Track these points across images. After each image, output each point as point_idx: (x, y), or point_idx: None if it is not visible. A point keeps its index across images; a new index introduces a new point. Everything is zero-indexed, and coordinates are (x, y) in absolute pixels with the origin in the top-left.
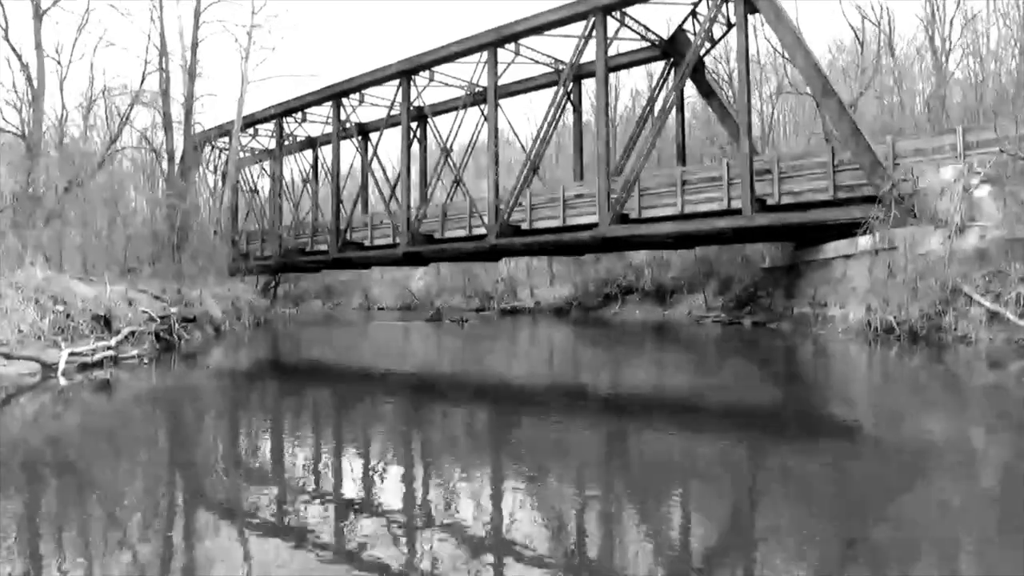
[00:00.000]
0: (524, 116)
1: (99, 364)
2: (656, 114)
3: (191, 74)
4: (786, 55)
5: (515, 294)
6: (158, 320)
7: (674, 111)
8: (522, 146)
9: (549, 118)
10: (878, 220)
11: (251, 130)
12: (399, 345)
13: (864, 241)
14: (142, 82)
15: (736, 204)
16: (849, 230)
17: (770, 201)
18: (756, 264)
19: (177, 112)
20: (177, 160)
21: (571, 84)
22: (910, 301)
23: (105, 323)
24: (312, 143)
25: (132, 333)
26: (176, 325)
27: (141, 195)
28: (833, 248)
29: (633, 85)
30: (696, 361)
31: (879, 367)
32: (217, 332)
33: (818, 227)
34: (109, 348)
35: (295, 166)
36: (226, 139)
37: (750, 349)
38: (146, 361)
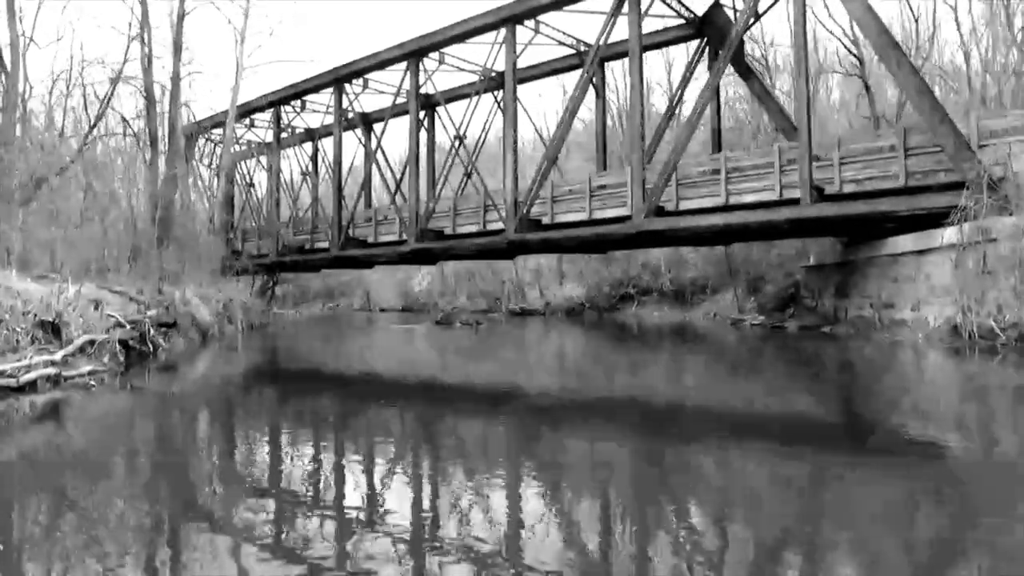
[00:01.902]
0: (535, 110)
1: (32, 386)
2: (696, 97)
3: (176, 48)
4: (835, 30)
5: (523, 295)
6: (127, 326)
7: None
8: (539, 135)
9: (572, 102)
10: (970, 209)
11: (247, 120)
12: (413, 352)
13: (950, 233)
14: (124, 62)
15: (790, 194)
16: (922, 222)
17: (829, 190)
18: (793, 262)
19: (165, 98)
20: (163, 147)
21: (594, 67)
22: (1021, 303)
23: (53, 331)
24: (312, 135)
25: (91, 343)
26: (150, 331)
27: (121, 185)
28: (902, 242)
29: (648, 72)
30: (754, 373)
31: (985, 382)
32: (204, 338)
33: (885, 219)
34: (52, 364)
35: (294, 161)
36: (220, 130)
37: (809, 358)
38: (94, 384)
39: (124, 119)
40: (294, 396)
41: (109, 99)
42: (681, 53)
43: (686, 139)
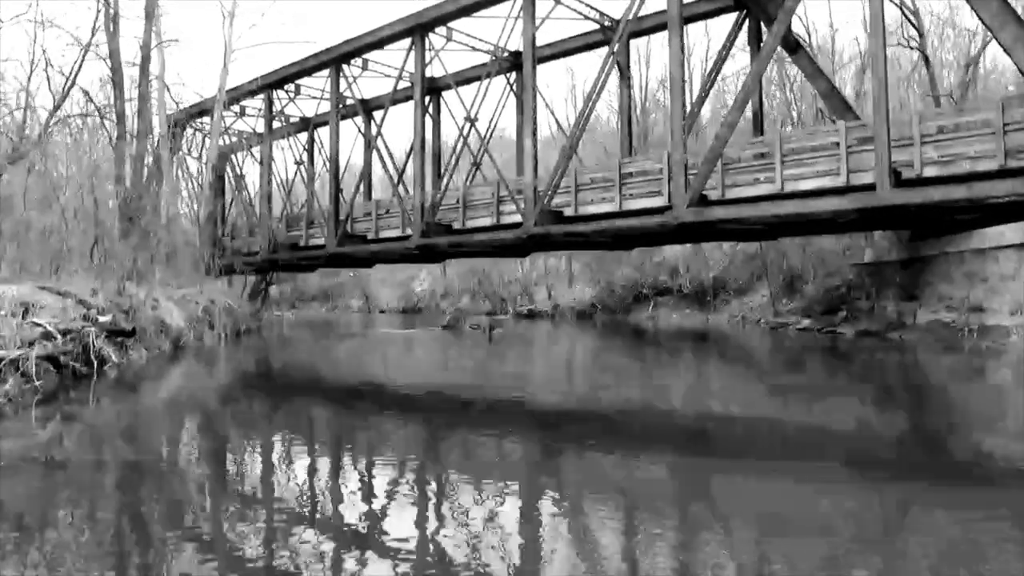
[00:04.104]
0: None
1: None
2: (747, 75)
3: (148, 14)
4: None
5: (530, 296)
6: (59, 337)
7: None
8: (556, 121)
9: (596, 82)
10: None
11: (237, 108)
12: (427, 366)
13: None
14: (93, 35)
15: (858, 179)
16: (1012, 211)
17: (906, 174)
18: (837, 259)
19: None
20: (134, 128)
21: (622, 42)
22: None
23: None
24: (307, 124)
25: None
26: (95, 343)
27: (82, 168)
28: (994, 234)
29: (665, 56)
30: (842, 399)
31: None
32: (176, 347)
33: (972, 207)
34: None
35: (289, 153)
36: (208, 118)
37: (896, 373)
38: None
39: (86, 93)
40: (273, 439)
41: (76, 75)
42: (699, 34)
43: (735, 118)
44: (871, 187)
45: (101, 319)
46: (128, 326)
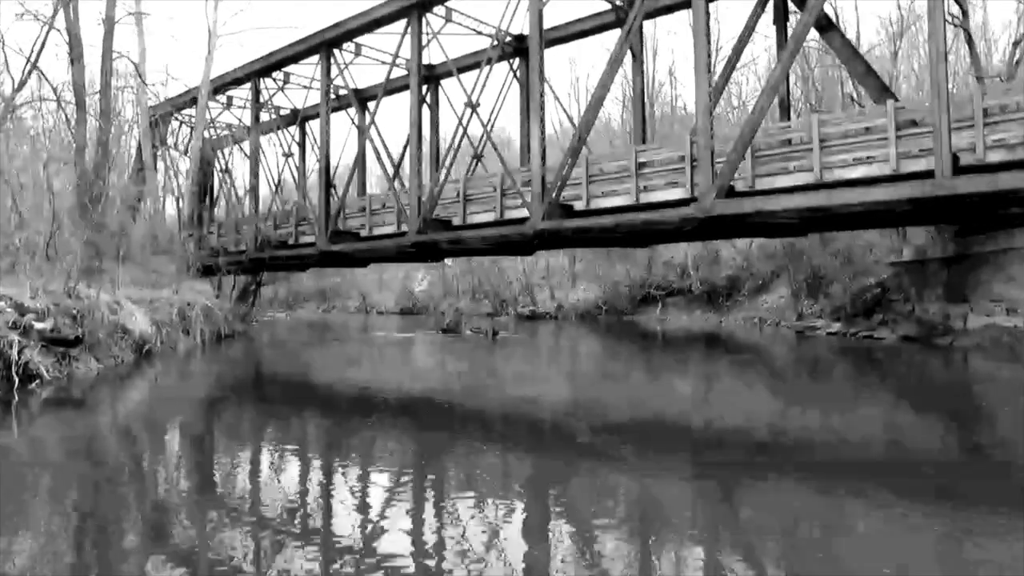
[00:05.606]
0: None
1: None
2: (781, 56)
3: None
4: None
5: (532, 296)
6: None
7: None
8: (564, 112)
9: (610, 64)
10: None
11: (223, 99)
12: (430, 377)
13: None
14: (55, 12)
15: (910, 166)
16: None
17: (965, 159)
18: (864, 256)
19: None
20: (97, 110)
21: (638, 22)
22: None
23: None
24: (296, 117)
25: None
26: (22, 355)
27: (37, 156)
28: None
29: (676, 44)
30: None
31: None
32: (142, 356)
33: None
34: None
35: (279, 147)
36: (193, 111)
37: (975, 391)
38: None
39: (41, 72)
40: (229, 482)
41: (38, 55)
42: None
43: (768, 101)
44: (926, 175)
45: (38, 326)
46: (72, 333)
